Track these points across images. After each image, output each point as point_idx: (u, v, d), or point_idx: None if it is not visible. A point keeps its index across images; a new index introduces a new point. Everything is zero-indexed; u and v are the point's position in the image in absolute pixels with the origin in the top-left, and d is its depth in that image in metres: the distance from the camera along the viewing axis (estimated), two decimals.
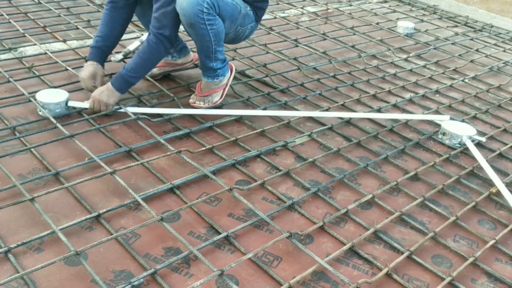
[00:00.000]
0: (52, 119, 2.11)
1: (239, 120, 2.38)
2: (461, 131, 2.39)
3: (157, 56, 2.24)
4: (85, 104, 2.23)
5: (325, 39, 3.58)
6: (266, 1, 2.44)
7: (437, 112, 2.67)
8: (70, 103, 2.22)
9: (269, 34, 3.54)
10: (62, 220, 1.63)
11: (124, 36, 3.12)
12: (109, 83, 2.21)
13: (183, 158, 2.00)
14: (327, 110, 2.54)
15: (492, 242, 1.78)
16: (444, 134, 2.42)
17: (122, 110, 2.25)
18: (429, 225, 1.86)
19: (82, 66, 2.65)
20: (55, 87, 2.40)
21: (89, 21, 3.33)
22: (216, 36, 2.20)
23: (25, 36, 2.95)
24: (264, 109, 2.47)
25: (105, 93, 2.20)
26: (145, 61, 2.21)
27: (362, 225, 1.80)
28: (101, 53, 2.37)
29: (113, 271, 1.48)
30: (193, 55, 2.76)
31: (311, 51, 3.31)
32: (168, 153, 2.01)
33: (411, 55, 3.48)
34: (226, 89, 2.46)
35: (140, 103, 2.41)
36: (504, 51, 3.81)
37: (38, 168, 1.88)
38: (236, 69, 2.60)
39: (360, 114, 2.54)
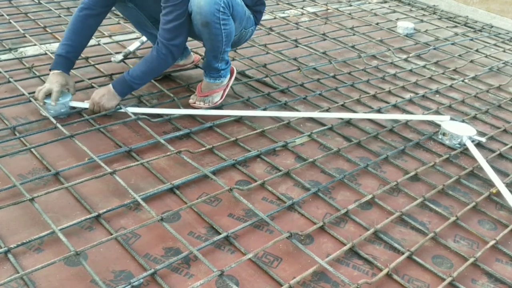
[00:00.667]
0: (52, 119, 2.11)
1: (239, 120, 2.38)
2: (461, 131, 2.39)
3: (165, 65, 2.26)
4: (86, 104, 2.23)
5: (325, 40, 3.58)
6: (263, 4, 2.45)
7: (437, 112, 2.67)
8: (71, 103, 2.22)
9: (269, 35, 3.54)
10: (62, 220, 1.63)
11: (125, 37, 3.16)
12: (110, 86, 2.20)
13: (183, 158, 2.00)
14: (327, 110, 2.54)
15: (492, 242, 1.78)
16: (444, 134, 2.42)
17: (122, 110, 2.25)
18: (429, 225, 1.86)
19: (82, 67, 2.67)
20: None
21: None
22: (227, 36, 2.21)
23: (25, 36, 2.95)
24: (264, 109, 2.47)
25: (106, 97, 2.19)
26: (152, 70, 2.22)
27: (362, 225, 1.79)
28: (70, 64, 2.25)
29: (113, 271, 1.48)
30: (194, 56, 2.76)
31: (311, 51, 3.31)
32: (168, 153, 2.01)
33: (411, 55, 3.48)
34: (227, 90, 2.47)
35: (140, 103, 2.41)
36: (504, 51, 3.81)
37: (38, 168, 1.88)
38: (236, 70, 2.60)
39: (360, 114, 2.54)
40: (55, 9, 3.45)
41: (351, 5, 4.58)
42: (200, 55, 2.86)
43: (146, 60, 2.21)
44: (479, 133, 2.48)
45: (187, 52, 2.69)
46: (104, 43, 2.97)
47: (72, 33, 2.23)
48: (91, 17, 2.24)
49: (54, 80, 2.16)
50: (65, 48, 2.22)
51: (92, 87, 2.44)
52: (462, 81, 3.16)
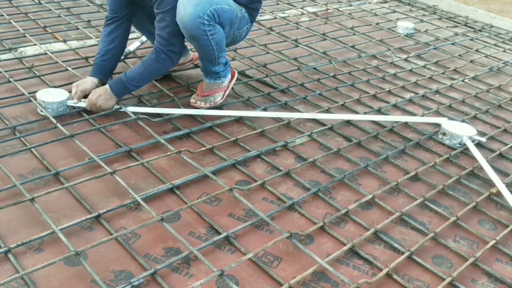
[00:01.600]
0: (52, 119, 2.11)
1: (239, 120, 2.38)
2: (461, 131, 2.39)
3: (163, 69, 2.29)
4: (83, 104, 2.23)
5: (325, 39, 3.58)
6: (259, 1, 2.44)
7: (437, 112, 2.67)
8: (68, 102, 2.22)
9: (269, 34, 3.54)
10: (62, 220, 1.63)
11: None
12: (107, 86, 2.21)
13: (183, 158, 2.00)
14: (327, 110, 2.54)
15: (492, 242, 1.78)
16: (444, 134, 2.42)
17: (122, 110, 2.25)
18: (429, 225, 1.86)
19: (82, 66, 2.67)
20: (55, 87, 2.39)
21: (89, 21, 3.33)
22: (217, 44, 2.22)
23: (25, 36, 2.95)
24: (264, 109, 2.47)
25: (103, 97, 2.20)
26: (149, 72, 2.24)
27: (362, 225, 1.79)
28: (100, 68, 2.30)
29: (113, 271, 1.48)
30: (193, 54, 2.76)
31: (311, 51, 3.31)
32: (168, 153, 2.01)
33: (411, 55, 3.48)
34: (228, 91, 2.46)
35: (140, 103, 2.41)
36: (504, 51, 3.81)
37: (38, 168, 1.88)
38: (236, 70, 2.60)
39: (359, 116, 2.54)
40: (55, 9, 3.45)
41: (351, 5, 4.58)
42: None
43: (144, 62, 2.22)
44: (479, 133, 2.48)
45: (186, 50, 2.69)
46: None
47: (100, 42, 2.35)
48: (111, 25, 2.32)
49: (81, 83, 2.26)
50: (96, 56, 2.32)
51: None
52: (462, 81, 3.16)
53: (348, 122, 2.48)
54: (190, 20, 2.08)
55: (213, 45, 2.20)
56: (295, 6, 4.31)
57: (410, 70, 3.23)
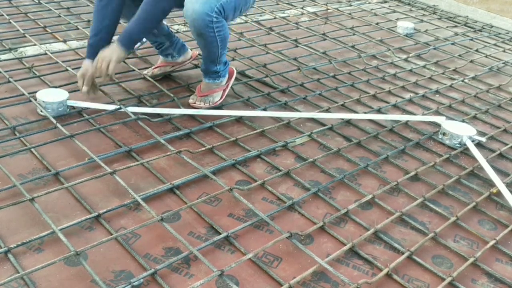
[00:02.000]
0: (52, 119, 2.11)
1: (239, 120, 2.38)
2: (461, 131, 2.39)
3: (160, 11, 2.16)
4: (83, 103, 2.23)
5: (325, 39, 3.58)
6: None
7: (437, 112, 2.67)
8: (69, 102, 2.22)
9: (269, 34, 3.54)
10: (62, 220, 1.63)
11: None
12: (113, 42, 2.19)
13: (183, 158, 2.00)
14: (327, 110, 2.54)
15: (492, 242, 1.78)
16: (444, 134, 2.42)
17: (122, 110, 2.26)
18: (429, 225, 1.86)
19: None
20: (56, 87, 2.39)
21: (89, 21, 3.33)
22: (222, 41, 2.23)
23: (25, 36, 2.95)
24: (264, 109, 2.47)
25: (109, 49, 2.15)
26: (143, 16, 2.14)
27: (362, 225, 1.79)
28: (95, 50, 2.22)
29: (113, 271, 1.48)
30: (192, 52, 2.75)
31: (311, 51, 3.31)
32: (168, 153, 2.01)
33: (411, 55, 3.48)
34: (227, 90, 2.47)
35: (140, 103, 2.41)
36: (504, 51, 3.81)
37: (38, 168, 1.88)
38: (236, 70, 2.61)
39: (358, 115, 2.54)
40: (55, 9, 3.45)
41: (351, 5, 4.58)
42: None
43: (139, 8, 2.16)
44: (479, 133, 2.48)
45: (185, 49, 2.68)
46: None
47: (93, 22, 2.25)
48: (102, 0, 2.22)
49: (80, 70, 2.22)
50: (90, 36, 2.24)
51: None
52: (462, 81, 3.16)
53: (348, 122, 2.48)
54: (200, 18, 2.09)
55: (218, 41, 2.21)
56: (295, 6, 4.31)
57: (410, 70, 3.23)
